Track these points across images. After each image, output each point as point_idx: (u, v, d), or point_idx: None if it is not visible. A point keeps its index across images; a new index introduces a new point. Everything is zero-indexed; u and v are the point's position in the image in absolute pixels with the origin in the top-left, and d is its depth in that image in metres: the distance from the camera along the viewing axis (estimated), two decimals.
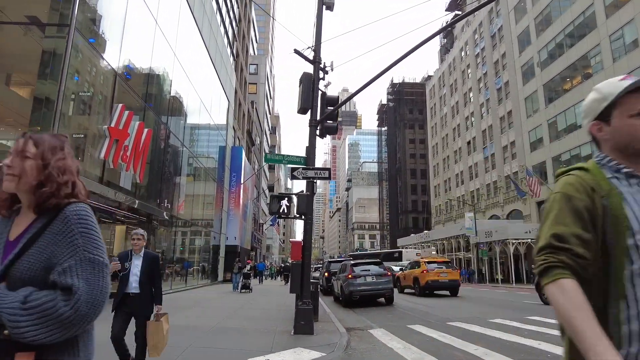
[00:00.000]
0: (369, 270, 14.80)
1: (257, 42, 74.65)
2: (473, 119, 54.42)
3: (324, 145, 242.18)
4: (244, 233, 39.37)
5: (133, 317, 4.72)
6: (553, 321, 9.52)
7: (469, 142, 55.63)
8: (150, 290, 4.76)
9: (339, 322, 10.13)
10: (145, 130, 15.20)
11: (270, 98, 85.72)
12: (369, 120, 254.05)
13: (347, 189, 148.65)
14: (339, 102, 9.55)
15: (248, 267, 21.92)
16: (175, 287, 20.66)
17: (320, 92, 9.60)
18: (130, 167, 13.91)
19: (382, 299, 15.52)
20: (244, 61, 44.18)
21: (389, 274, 15.05)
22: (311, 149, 9.26)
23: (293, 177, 8.97)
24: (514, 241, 34.52)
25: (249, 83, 53.83)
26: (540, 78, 38.02)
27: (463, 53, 58.76)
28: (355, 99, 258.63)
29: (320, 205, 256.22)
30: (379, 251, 66.55)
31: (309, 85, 9.37)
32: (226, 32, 33.24)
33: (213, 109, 27.48)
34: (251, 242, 47.95)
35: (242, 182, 35.44)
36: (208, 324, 9.31)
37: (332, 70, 9.58)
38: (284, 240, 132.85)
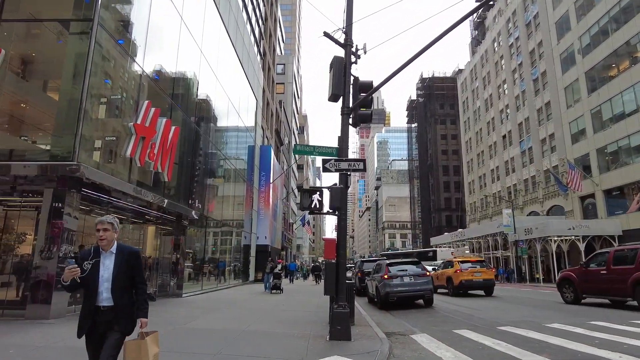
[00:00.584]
0: (407, 270, 13.95)
1: (283, 43, 74.62)
2: (508, 111, 52.28)
3: (352, 144, 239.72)
4: (274, 232, 39.09)
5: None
6: (623, 327, 8.44)
7: (504, 136, 53.48)
8: (131, 300, 3.48)
9: (377, 327, 9.40)
10: (173, 127, 14.88)
11: (298, 98, 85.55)
12: (398, 118, 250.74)
13: (377, 188, 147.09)
14: (373, 88, 8.80)
15: (279, 266, 21.39)
16: (206, 287, 20.41)
17: (352, 78, 8.89)
18: (157, 165, 13.60)
19: (420, 300, 14.66)
20: (271, 60, 43.95)
21: (428, 274, 14.15)
22: (344, 138, 8.55)
23: (325, 170, 8.29)
24: (557, 238, 32.70)
25: (277, 83, 53.66)
26: (582, 65, 35.83)
27: (496, 44, 56.55)
28: (383, 96, 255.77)
29: (349, 204, 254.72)
30: (412, 250, 65.18)
31: (340, 70, 8.67)
32: (252, 31, 33.00)
33: (241, 107, 27.20)
34: (281, 241, 47.73)
35: (271, 181, 35.14)
36: (238, 328, 8.78)
37: (364, 52, 8.84)
38: (313, 240, 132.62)
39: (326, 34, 8.75)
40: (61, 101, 10.57)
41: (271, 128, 43.17)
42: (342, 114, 8.59)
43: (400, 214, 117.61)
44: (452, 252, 42.47)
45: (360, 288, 19.45)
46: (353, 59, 8.96)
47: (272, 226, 36.67)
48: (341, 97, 8.70)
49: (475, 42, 68.86)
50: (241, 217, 28.75)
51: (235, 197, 27.39)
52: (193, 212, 17.11)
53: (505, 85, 53.10)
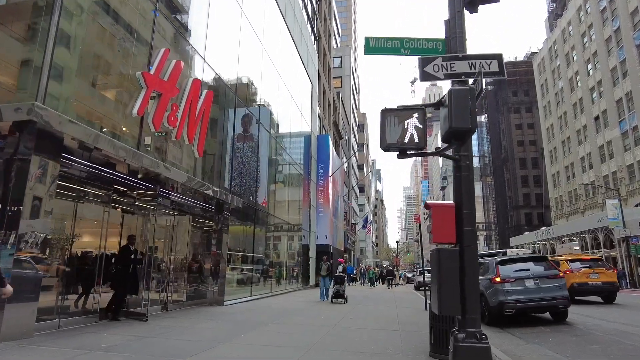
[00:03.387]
0: (528, 270, 9.63)
1: (339, 36, 71.29)
2: (601, 88, 44.89)
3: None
4: (335, 232, 35.35)
5: None
6: None
7: (596, 118, 46.08)
8: None
9: None
10: (204, 92, 11.75)
11: (357, 92, 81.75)
12: None
13: (443, 188, 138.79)
14: None
15: (340, 267, 17.21)
16: (258, 292, 17.12)
17: None
18: (181, 133, 10.44)
19: (546, 313, 10.26)
20: (326, 45, 40.58)
21: (561, 274, 9.70)
22: (456, 22, 4.65)
23: (424, 77, 4.45)
24: None
25: (334, 77, 50.27)
26: None
27: (582, 13, 49.18)
28: (444, 91, 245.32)
29: (413, 207, 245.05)
30: (487, 252, 58.62)
31: None
32: (305, 7, 29.76)
33: (294, 88, 23.88)
34: (344, 242, 43.92)
35: (330, 173, 31.54)
36: None
37: None
38: (377, 244, 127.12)
39: None
40: (29, 45, 7.60)
41: (329, 119, 39.70)
42: None
43: None
44: (524, 253, 36.23)
45: None
46: None
47: (332, 224, 32.98)
48: None
49: (554, 16, 61.15)
50: (297, 213, 25.36)
51: (290, 189, 24.06)
52: (230, 197, 13.81)
53: (596, 59, 45.76)
